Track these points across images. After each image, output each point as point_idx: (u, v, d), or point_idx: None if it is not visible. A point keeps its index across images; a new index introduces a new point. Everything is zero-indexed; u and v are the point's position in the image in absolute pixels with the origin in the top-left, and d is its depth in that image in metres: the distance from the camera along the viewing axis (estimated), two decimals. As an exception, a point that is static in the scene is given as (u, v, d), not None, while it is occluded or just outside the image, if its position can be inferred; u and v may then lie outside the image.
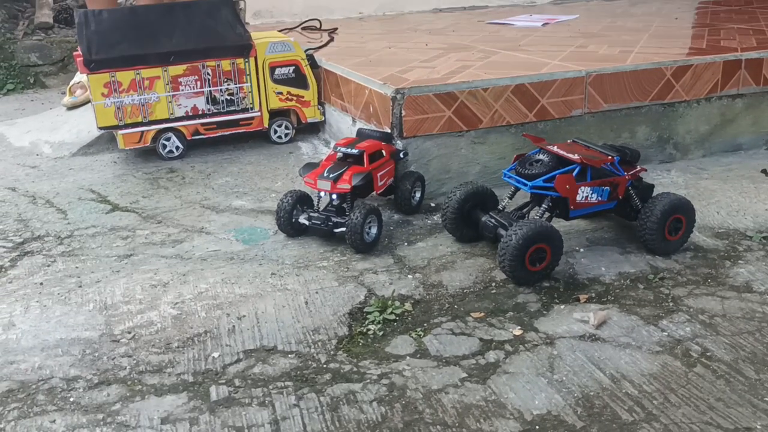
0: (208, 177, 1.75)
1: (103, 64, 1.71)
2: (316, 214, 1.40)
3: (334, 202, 1.39)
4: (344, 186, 1.36)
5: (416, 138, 1.57)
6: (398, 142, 1.55)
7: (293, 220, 1.40)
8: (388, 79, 1.64)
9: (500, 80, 1.62)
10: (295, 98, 1.93)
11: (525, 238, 1.20)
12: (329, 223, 1.38)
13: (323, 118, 1.98)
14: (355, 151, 1.42)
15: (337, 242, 1.40)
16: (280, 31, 2.55)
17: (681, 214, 1.33)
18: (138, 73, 1.75)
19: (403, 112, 1.54)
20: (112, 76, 1.73)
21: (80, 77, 2.25)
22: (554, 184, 1.27)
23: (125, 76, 1.74)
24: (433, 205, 1.59)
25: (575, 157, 1.29)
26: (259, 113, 1.91)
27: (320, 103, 1.97)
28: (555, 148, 1.33)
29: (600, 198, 1.32)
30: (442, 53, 1.98)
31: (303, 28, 2.63)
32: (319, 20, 2.63)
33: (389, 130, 1.55)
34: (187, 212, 1.56)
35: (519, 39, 2.21)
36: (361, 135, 1.53)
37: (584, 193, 1.31)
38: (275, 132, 1.95)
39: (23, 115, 2.33)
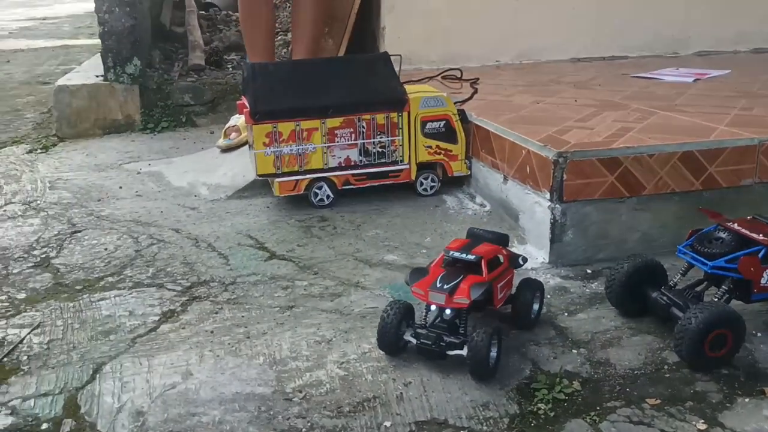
0: (358, 228, 1.78)
1: (267, 115, 1.78)
2: (424, 332, 1.19)
3: (446, 317, 1.20)
4: (462, 300, 1.17)
5: (576, 202, 1.53)
6: (515, 246, 1.52)
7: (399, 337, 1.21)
8: (547, 140, 1.62)
9: (667, 146, 1.56)
10: (443, 152, 1.94)
11: (706, 322, 1.14)
12: (441, 344, 1.17)
13: (469, 172, 1.98)
14: (471, 257, 1.22)
15: (495, 307, 1.38)
16: (421, 80, 2.58)
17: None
18: (298, 125, 1.81)
19: (565, 176, 1.51)
20: (274, 127, 1.80)
21: (235, 120, 2.35)
22: (738, 266, 1.20)
23: (286, 127, 1.81)
24: (589, 271, 1.55)
25: (760, 237, 1.22)
26: (407, 166, 1.93)
27: (467, 157, 1.97)
28: (736, 226, 1.27)
29: None
30: (595, 111, 1.94)
31: (443, 77, 2.65)
32: (460, 70, 2.65)
33: (506, 233, 1.39)
34: (342, 264, 1.59)
35: (673, 97, 2.14)
36: (474, 236, 1.34)
37: None
38: (421, 184, 1.96)
39: (178, 154, 2.46)
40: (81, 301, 1.42)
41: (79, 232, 1.79)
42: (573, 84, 2.44)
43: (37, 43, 5.99)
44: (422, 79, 2.61)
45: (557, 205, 1.53)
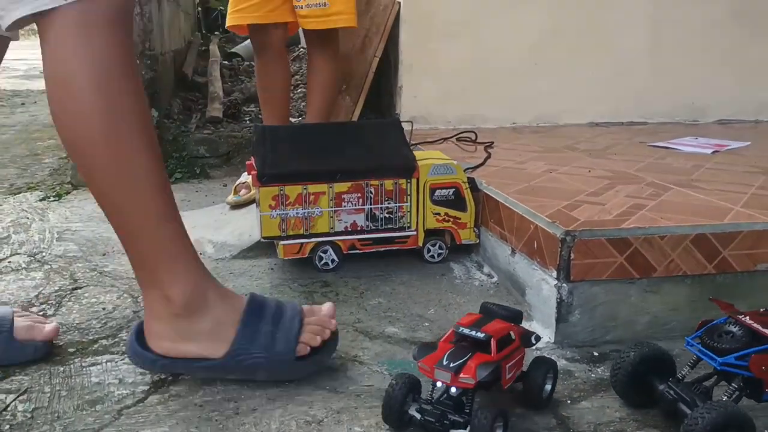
0: (361, 296, 1.75)
1: (274, 178, 1.77)
2: (429, 408, 1.16)
3: (452, 394, 1.16)
4: (467, 380, 1.13)
5: (583, 282, 1.49)
6: (531, 326, 1.48)
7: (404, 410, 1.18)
8: (556, 216, 1.58)
9: (679, 228, 1.52)
10: (452, 219, 1.91)
11: (714, 424, 1.08)
12: (445, 422, 1.14)
13: (478, 241, 1.94)
14: (480, 335, 1.18)
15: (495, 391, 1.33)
16: (436, 141, 2.58)
17: None
18: (305, 188, 1.80)
19: (572, 255, 1.47)
20: (281, 190, 1.79)
21: (246, 177, 2.35)
22: (748, 364, 1.15)
23: (293, 191, 1.79)
24: (596, 354, 1.49)
25: (773, 334, 1.17)
26: (415, 232, 1.90)
27: (476, 226, 1.94)
28: (748, 320, 1.21)
29: None
30: (608, 185, 1.90)
31: (458, 139, 2.64)
32: (475, 132, 2.64)
33: (520, 309, 1.35)
34: (342, 335, 1.54)
35: (690, 171, 2.10)
36: (487, 312, 1.31)
37: None
38: (428, 251, 1.93)
39: (189, 207, 2.46)
40: (72, 366, 1.39)
41: (80, 288, 1.77)
42: (588, 152, 2.41)
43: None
44: (437, 140, 2.61)
45: (564, 284, 1.49)
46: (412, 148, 1.92)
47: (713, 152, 2.42)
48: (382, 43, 2.95)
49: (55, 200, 2.57)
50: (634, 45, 3.09)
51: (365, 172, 1.83)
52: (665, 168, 2.14)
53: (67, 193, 2.67)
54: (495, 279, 1.84)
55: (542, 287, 1.56)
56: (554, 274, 1.51)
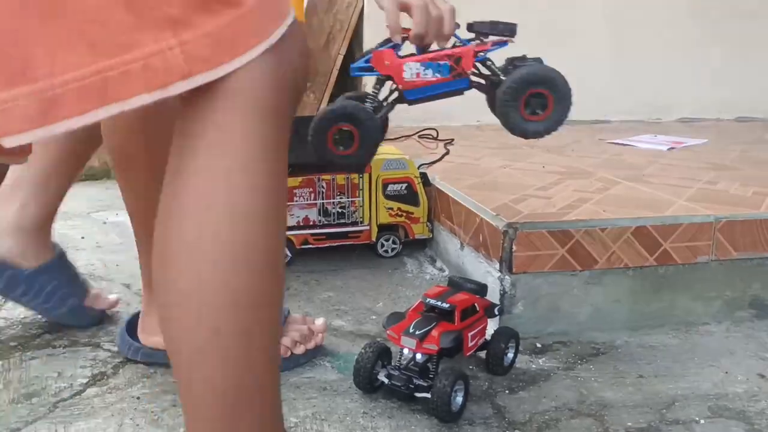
0: (311, 290, 1.75)
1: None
2: (396, 373, 1.25)
3: (418, 361, 1.26)
4: (431, 347, 1.23)
5: (526, 274, 1.51)
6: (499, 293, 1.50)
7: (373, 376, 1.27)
8: (501, 209, 1.60)
9: (620, 221, 1.54)
10: (405, 214, 1.92)
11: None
12: (410, 386, 1.23)
13: (431, 236, 1.95)
14: (445, 305, 1.28)
15: (434, 382, 1.34)
16: (396, 138, 2.59)
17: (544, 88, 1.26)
18: (256, 183, 1.80)
19: (514, 248, 1.49)
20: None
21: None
22: (371, 62, 1.23)
23: (243, 185, 1.79)
24: (539, 345, 1.51)
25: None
26: (368, 227, 1.91)
27: (429, 220, 1.95)
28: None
29: (439, 75, 1.29)
30: (559, 179, 1.93)
31: (420, 137, 2.65)
32: (436, 130, 2.65)
33: (485, 283, 1.43)
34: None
35: (643, 166, 2.13)
36: (454, 285, 1.40)
37: (413, 70, 1.27)
38: (382, 246, 1.94)
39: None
40: (11, 360, 1.39)
41: (30, 283, 1.76)
42: (546, 148, 2.44)
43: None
44: (398, 138, 2.61)
45: (507, 276, 1.50)
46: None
47: (669, 149, 2.45)
48: (346, 41, 2.95)
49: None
50: (595, 44, 3.12)
51: (317, 166, 1.84)
52: (619, 164, 2.17)
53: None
54: (446, 273, 1.85)
55: (488, 280, 1.57)
56: (497, 266, 1.52)
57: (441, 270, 1.87)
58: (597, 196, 1.74)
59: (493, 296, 1.54)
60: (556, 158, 2.25)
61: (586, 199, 1.70)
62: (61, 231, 2.17)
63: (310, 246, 1.89)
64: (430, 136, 2.63)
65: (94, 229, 2.19)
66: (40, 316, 1.58)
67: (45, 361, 1.39)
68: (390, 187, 1.90)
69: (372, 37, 2.93)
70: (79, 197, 2.55)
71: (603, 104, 3.18)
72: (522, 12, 3.01)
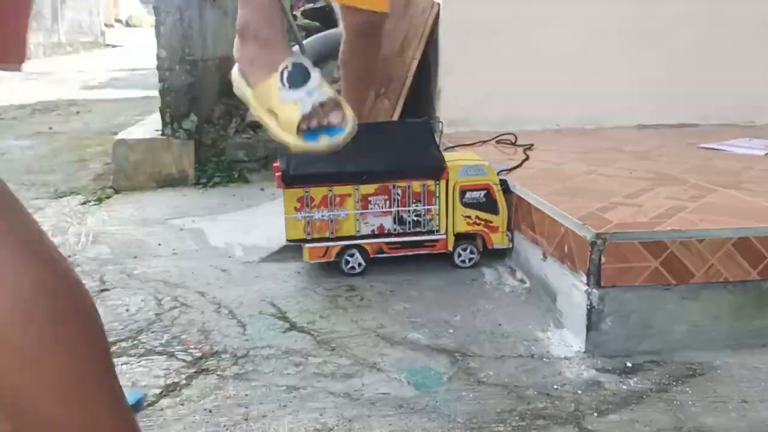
0: (386, 300, 1.70)
1: (299, 179, 1.75)
2: None
3: None
4: None
5: (615, 288, 1.41)
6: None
7: None
8: (588, 218, 1.51)
9: (720, 231, 1.42)
10: (483, 223, 1.85)
11: None
12: None
13: (511, 245, 1.87)
14: None
15: (518, 401, 1.26)
16: (474, 144, 2.51)
17: None
18: (330, 190, 1.76)
19: (603, 259, 1.39)
20: (306, 192, 1.76)
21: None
22: None
23: (318, 192, 1.76)
24: (629, 365, 1.40)
25: None
26: (444, 236, 1.84)
27: (509, 229, 1.87)
28: None
29: None
30: (649, 186, 1.81)
31: (498, 142, 2.57)
32: (514, 135, 2.56)
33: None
34: (362, 341, 1.50)
35: (739, 172, 1.98)
36: None
37: None
38: (459, 255, 1.87)
39: (224, 211, 2.46)
40: (88, 367, 1.39)
41: (108, 290, 1.78)
42: (633, 153, 2.31)
43: (121, 93, 6.28)
44: (475, 143, 2.54)
45: (594, 290, 1.41)
46: (447, 150, 1.87)
47: (766, 154, 2.28)
48: (421, 46, 2.90)
49: (95, 204, 2.61)
50: (686, 42, 2.96)
51: (392, 173, 1.79)
52: (712, 169, 2.03)
53: (108, 197, 2.71)
54: (527, 284, 1.76)
55: (573, 293, 1.49)
56: (584, 279, 1.43)
57: (522, 282, 1.79)
58: (691, 204, 1.62)
59: (579, 312, 1.45)
60: (643, 163, 2.13)
61: (680, 208, 1.58)
62: (139, 237, 2.20)
63: (385, 255, 1.83)
64: (509, 141, 2.54)
65: (171, 236, 2.20)
66: (117, 323, 1.58)
67: (121, 370, 1.38)
68: (468, 195, 1.83)
69: (447, 39, 2.86)
70: (157, 203, 2.59)
71: (690, 106, 3.01)
72: (607, 7, 2.89)
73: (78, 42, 12.41)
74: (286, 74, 1.06)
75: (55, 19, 11.41)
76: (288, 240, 1.81)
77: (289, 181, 1.75)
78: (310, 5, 6.13)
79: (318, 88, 1.06)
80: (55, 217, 2.46)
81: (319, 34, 4.57)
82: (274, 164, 1.88)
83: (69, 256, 2.03)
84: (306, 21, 5.51)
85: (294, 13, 5.68)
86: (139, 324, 1.58)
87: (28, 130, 4.57)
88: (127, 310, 1.65)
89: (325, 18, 5.69)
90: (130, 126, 3.32)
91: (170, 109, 2.78)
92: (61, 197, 2.74)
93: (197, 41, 2.91)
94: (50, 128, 4.53)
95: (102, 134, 4.06)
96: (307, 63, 1.07)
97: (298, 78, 1.05)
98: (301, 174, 1.75)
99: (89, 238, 2.19)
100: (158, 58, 2.80)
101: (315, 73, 1.07)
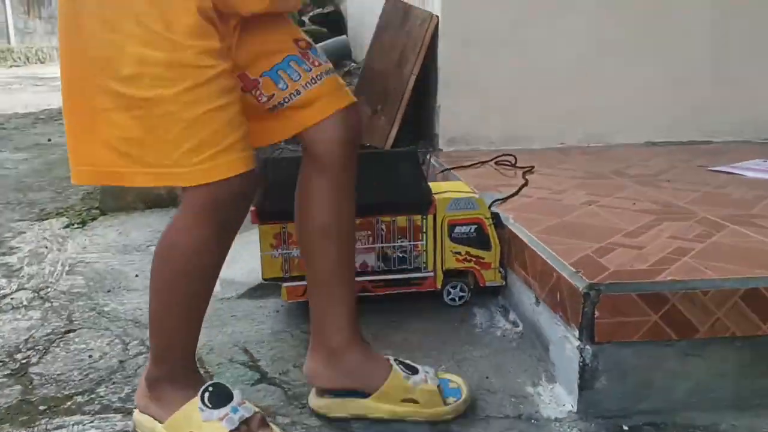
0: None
1: (275, 215, 1.63)
2: None
3: None
4: None
5: (610, 344, 1.28)
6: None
7: None
8: (583, 264, 1.38)
9: (726, 282, 1.30)
10: (474, 259, 1.73)
11: None
12: None
13: (504, 283, 1.75)
14: None
15: (498, 476, 1.14)
16: (472, 165, 2.40)
17: None
18: (308, 226, 1.65)
19: (597, 313, 1.27)
20: (283, 228, 1.65)
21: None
22: None
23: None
24: (626, 428, 1.28)
25: None
26: (432, 273, 1.72)
27: (502, 266, 1.75)
28: None
29: None
30: (652, 221, 1.68)
31: (497, 163, 2.45)
32: (514, 156, 2.43)
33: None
34: (337, 395, 1.39)
35: (751, 203, 1.85)
36: None
37: None
38: (448, 294, 1.75)
39: (209, 236, 2.35)
40: (37, 428, 1.28)
41: (73, 331, 1.68)
42: (638, 179, 2.18)
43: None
44: (474, 164, 2.42)
45: (588, 346, 1.29)
46: (444, 171, 1.75)
47: (782, 178, 2.14)
48: (419, 60, 2.78)
49: (78, 227, 2.52)
50: (695, 54, 2.81)
51: (376, 207, 1.67)
52: (723, 200, 1.90)
53: (93, 219, 2.61)
54: (520, 328, 1.64)
55: (565, 346, 1.36)
56: (577, 333, 1.31)
57: (514, 324, 1.66)
58: (698, 245, 1.49)
59: (571, 367, 1.33)
60: (649, 191, 2.00)
61: (685, 251, 1.45)
62: (116, 267, 2.10)
63: (368, 294, 1.72)
64: (508, 163, 2.42)
65: (150, 266, 2.10)
66: (77, 372, 1.48)
67: (71, 430, 1.27)
68: (457, 230, 1.71)
69: (446, 54, 2.74)
70: (141, 227, 2.50)
71: (701, 122, 2.87)
72: (611, 19, 2.75)
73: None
74: (207, 395, 1.15)
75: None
76: (264, 279, 1.70)
77: (265, 217, 1.64)
78: (319, 10, 6.04)
79: (242, 404, 1.16)
80: (35, 242, 2.36)
81: (329, 41, 4.46)
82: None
83: (41, 289, 1.94)
84: (314, 27, 5.42)
85: (302, 18, 5.60)
86: (100, 374, 1.48)
87: (27, 141, 4.51)
88: (90, 356, 1.55)
89: (332, 24, 5.59)
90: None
91: (157, 128, 2.68)
92: (44, 219, 2.65)
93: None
94: (49, 140, 4.46)
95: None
96: (227, 385, 1.19)
97: (220, 398, 1.15)
98: (277, 210, 1.63)
99: (65, 268, 2.10)
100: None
101: (236, 392, 1.17)
